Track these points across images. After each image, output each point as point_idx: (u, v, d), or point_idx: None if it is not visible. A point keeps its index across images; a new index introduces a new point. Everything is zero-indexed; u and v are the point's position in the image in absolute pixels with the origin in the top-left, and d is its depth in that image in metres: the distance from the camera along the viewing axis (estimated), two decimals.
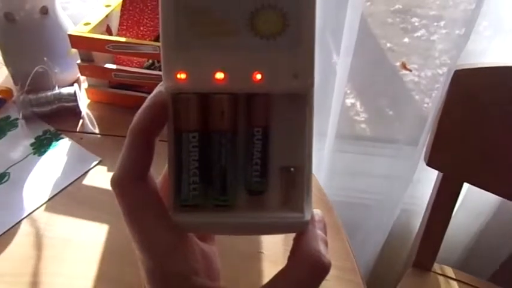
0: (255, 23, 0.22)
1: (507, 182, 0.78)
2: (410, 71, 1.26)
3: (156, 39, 0.73)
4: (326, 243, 0.25)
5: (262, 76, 0.23)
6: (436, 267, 0.93)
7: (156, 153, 0.24)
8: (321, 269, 0.24)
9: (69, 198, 0.62)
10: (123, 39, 0.70)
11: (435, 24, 1.57)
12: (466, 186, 0.85)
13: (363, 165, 1.11)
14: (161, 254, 0.24)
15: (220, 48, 0.22)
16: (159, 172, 0.27)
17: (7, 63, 0.76)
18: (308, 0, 0.22)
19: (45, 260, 0.54)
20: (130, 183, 0.24)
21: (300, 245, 0.24)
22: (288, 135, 0.24)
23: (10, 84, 0.77)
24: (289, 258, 0.25)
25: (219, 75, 0.23)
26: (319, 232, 0.25)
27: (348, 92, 1.51)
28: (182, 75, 0.23)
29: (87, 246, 0.56)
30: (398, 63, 1.42)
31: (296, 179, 0.24)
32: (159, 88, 0.24)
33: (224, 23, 0.22)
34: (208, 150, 0.24)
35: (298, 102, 0.24)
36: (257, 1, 0.22)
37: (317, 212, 0.26)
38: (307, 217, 0.24)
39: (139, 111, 0.24)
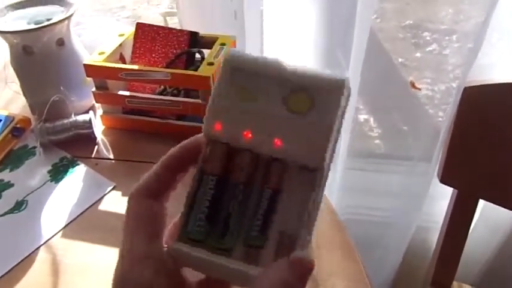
0: (287, 100, 0.26)
1: None
2: (420, 89, 1.26)
3: (167, 66, 0.75)
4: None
5: (281, 143, 0.26)
6: (455, 285, 0.91)
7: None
8: None
9: (85, 224, 0.63)
10: (135, 67, 0.72)
11: (447, 38, 1.57)
12: (482, 201, 0.84)
13: (376, 182, 1.10)
14: (131, 259, 0.26)
15: (254, 113, 0.27)
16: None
17: (25, 93, 0.79)
18: (336, 90, 0.26)
19: (62, 287, 0.55)
20: (140, 197, 0.27)
21: None
22: (294, 202, 0.26)
23: (28, 113, 0.80)
24: None
25: (247, 134, 0.27)
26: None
27: (361, 107, 1.51)
28: (218, 126, 0.27)
29: (104, 272, 0.56)
30: (411, 77, 1.42)
31: (290, 247, 0.26)
32: (199, 135, 0.28)
33: (263, 96, 0.27)
34: (221, 194, 0.27)
35: (310, 175, 0.26)
36: (293, 84, 0.26)
37: (305, 259, 0.25)
38: None
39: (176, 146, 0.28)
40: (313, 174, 0.26)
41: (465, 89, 0.73)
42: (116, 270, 0.27)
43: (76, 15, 0.74)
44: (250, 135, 0.26)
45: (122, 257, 0.27)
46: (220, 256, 0.26)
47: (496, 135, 0.74)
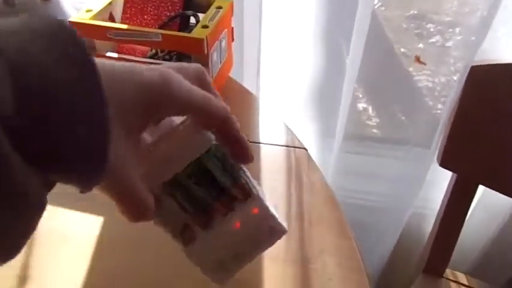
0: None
1: None
2: (425, 64, 1.23)
3: (160, 28, 0.71)
4: None
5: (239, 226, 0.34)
6: (448, 273, 0.88)
7: None
8: None
9: (65, 193, 0.59)
10: (124, 26, 0.68)
11: (450, 30, 1.54)
12: (481, 188, 0.81)
13: (373, 167, 1.07)
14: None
15: None
16: None
17: None
18: None
19: (42, 256, 0.52)
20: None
21: None
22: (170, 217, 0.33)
23: None
24: None
25: (256, 210, 0.33)
26: None
27: (361, 96, 1.48)
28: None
29: (83, 240, 0.53)
30: (411, 68, 1.39)
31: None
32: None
33: None
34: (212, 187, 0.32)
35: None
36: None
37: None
38: None
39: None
40: None
41: (472, 67, 0.70)
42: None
43: None
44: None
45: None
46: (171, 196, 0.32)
47: (501, 117, 0.71)
